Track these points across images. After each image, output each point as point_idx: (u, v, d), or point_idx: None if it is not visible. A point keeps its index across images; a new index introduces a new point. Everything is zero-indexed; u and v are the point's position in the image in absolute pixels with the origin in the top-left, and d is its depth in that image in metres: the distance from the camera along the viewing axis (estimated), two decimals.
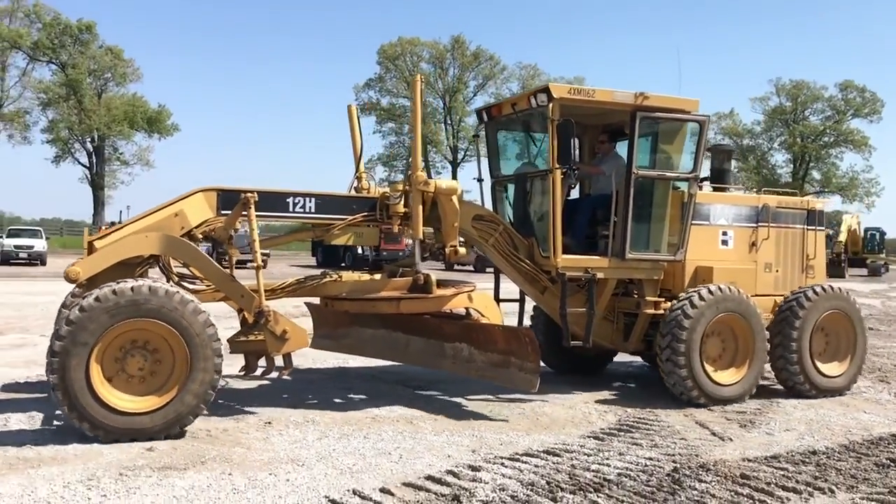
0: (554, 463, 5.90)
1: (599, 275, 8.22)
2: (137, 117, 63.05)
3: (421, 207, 7.58)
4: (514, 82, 72.60)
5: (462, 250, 7.96)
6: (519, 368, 7.28)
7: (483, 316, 7.92)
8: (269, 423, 6.92)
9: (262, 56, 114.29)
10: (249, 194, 7.01)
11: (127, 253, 6.69)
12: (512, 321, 8.92)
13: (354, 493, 5.08)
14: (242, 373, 7.80)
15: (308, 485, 5.23)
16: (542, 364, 9.66)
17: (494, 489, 5.20)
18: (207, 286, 7.32)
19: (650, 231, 8.49)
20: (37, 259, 33.83)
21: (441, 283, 7.91)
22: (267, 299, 7.14)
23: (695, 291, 8.02)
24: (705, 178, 9.33)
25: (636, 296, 8.68)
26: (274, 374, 7.79)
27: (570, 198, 9.20)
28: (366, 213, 7.73)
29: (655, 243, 8.49)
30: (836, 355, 8.89)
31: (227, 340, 7.41)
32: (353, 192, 8.09)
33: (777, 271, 9.17)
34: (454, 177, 68.13)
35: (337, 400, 8.00)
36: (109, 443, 5.97)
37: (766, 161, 77.07)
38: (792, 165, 75.69)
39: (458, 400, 8.09)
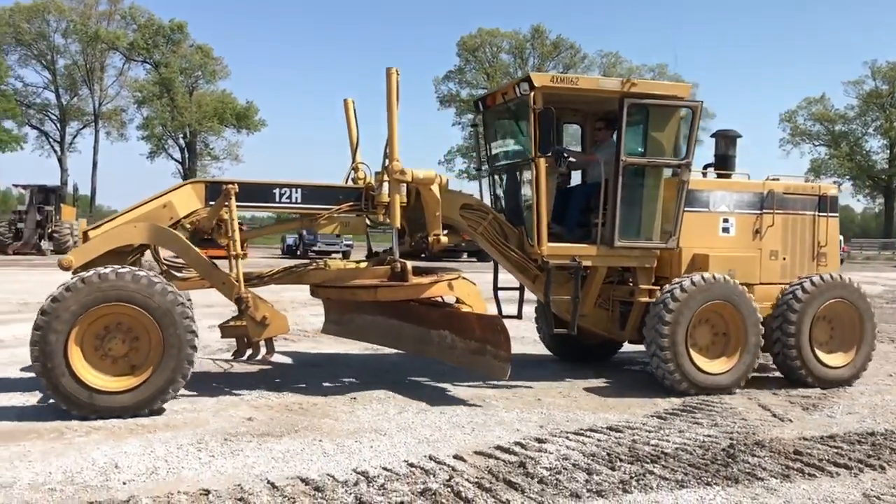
0: (616, 438, 6.33)
1: (587, 263, 8.30)
2: (227, 113, 65.47)
3: (398, 197, 7.63)
4: (594, 70, 72.15)
5: (444, 239, 8.06)
6: (493, 356, 7.46)
7: (465, 304, 8.01)
8: (355, 398, 7.57)
9: (343, 48, 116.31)
10: (230, 185, 7.26)
11: (117, 242, 7.09)
12: (512, 309, 9.10)
13: (430, 458, 5.63)
14: (232, 357, 8.27)
15: (389, 451, 5.82)
16: (548, 352, 10.07)
17: (558, 458, 5.68)
18: (195, 274, 7.59)
19: (641, 218, 8.46)
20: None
21: (425, 272, 8.15)
22: (254, 286, 7.56)
23: (681, 280, 8.01)
24: (710, 165, 9.35)
25: (631, 284, 8.70)
26: (259, 358, 8.18)
27: (569, 186, 9.40)
28: (352, 203, 7.91)
29: (647, 231, 8.45)
30: (841, 346, 8.72)
31: (219, 326, 8.04)
32: (349, 183, 8.23)
33: (784, 259, 8.99)
34: None
35: (415, 379, 8.58)
36: (82, 419, 6.38)
37: (860, 147, 74.29)
38: (889, 151, 72.72)
39: (529, 382, 8.53)
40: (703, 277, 8.01)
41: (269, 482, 5.03)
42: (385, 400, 7.53)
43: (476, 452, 5.82)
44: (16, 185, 42.44)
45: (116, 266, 6.70)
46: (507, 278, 8.98)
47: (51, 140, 65.78)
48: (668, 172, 8.50)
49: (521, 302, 9.22)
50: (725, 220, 8.83)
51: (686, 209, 8.46)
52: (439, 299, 8.33)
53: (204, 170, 68.71)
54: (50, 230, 36.81)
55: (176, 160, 67.79)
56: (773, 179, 9.18)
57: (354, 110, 8.79)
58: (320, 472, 5.27)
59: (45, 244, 35.98)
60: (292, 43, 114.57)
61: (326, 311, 9.88)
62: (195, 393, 7.53)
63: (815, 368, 8.45)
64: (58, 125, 65.76)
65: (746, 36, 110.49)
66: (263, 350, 7.92)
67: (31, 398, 7.19)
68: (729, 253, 8.69)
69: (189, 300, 7.60)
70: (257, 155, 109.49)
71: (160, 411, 6.73)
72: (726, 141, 9.50)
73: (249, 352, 8.15)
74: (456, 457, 5.69)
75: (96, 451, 5.62)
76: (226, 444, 5.90)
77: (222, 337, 8.18)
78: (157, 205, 7.35)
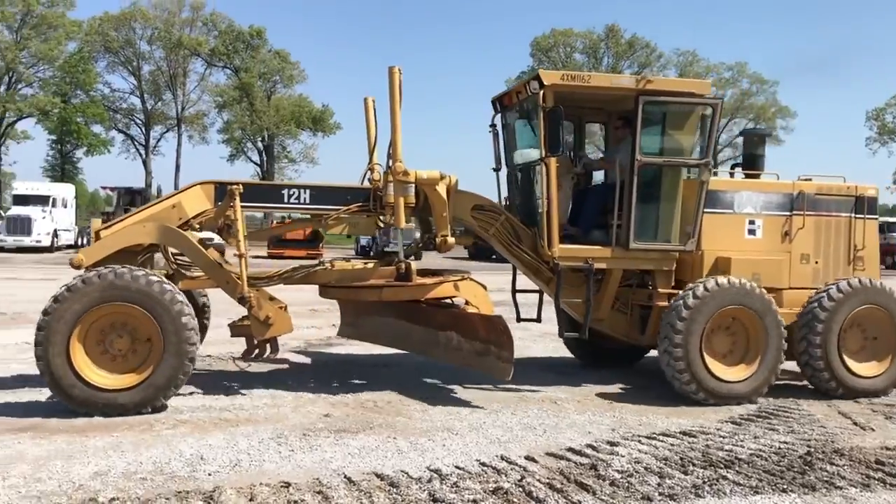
0: (689, 442, 6.30)
1: (601, 265, 8.13)
2: (303, 117, 66.72)
3: (402, 198, 7.62)
4: (671, 69, 70.93)
5: (451, 240, 8.00)
6: (497, 357, 7.42)
7: (472, 305, 7.91)
8: (427, 398, 7.71)
9: (414, 50, 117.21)
10: (234, 186, 7.42)
11: (126, 242, 7.24)
12: (531, 312, 9.00)
13: (502, 458, 5.72)
14: (241, 356, 8.28)
15: (461, 450, 5.93)
16: (571, 355, 9.97)
17: (630, 461, 5.69)
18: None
19: (658, 220, 8.22)
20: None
21: (432, 273, 8.20)
22: (262, 286, 7.68)
23: (697, 284, 7.77)
24: (737, 165, 9.03)
25: (651, 287, 8.43)
26: (264, 357, 8.11)
27: (588, 186, 9.24)
28: (360, 204, 7.96)
29: (664, 233, 8.22)
30: (875, 354, 8.24)
31: (228, 325, 8.09)
32: (365, 183, 8.23)
33: (816, 263, 8.60)
34: None
35: (487, 381, 8.62)
36: (91, 416, 6.52)
37: None
38: None
39: (601, 385, 8.52)
40: (719, 282, 7.77)
41: (345, 477, 5.20)
42: (457, 400, 7.65)
43: (547, 454, 5.88)
44: (104, 188, 44.29)
45: (117, 266, 6.80)
46: (526, 281, 8.89)
47: (136, 143, 68.19)
48: (687, 173, 8.28)
49: (540, 304, 9.08)
50: (751, 222, 8.52)
51: (708, 210, 8.25)
52: (449, 301, 8.28)
53: (281, 172, 70.17)
54: None
55: (254, 163, 69.44)
56: (805, 179, 8.88)
57: (374, 110, 8.78)
58: (395, 468, 5.42)
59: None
60: (365, 46, 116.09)
61: (342, 313, 9.90)
62: (274, 389, 7.80)
63: (844, 378, 8.05)
64: (143, 129, 68.13)
65: (832, 29, 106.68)
66: (268, 350, 7.97)
67: None
68: (754, 256, 8.39)
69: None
70: (332, 157, 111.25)
71: (163, 408, 6.88)
72: (755, 140, 9.21)
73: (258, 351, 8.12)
74: (527, 457, 5.76)
75: (183, 443, 5.90)
76: (304, 438, 6.12)
77: (231, 336, 8.22)
78: (166, 205, 7.54)
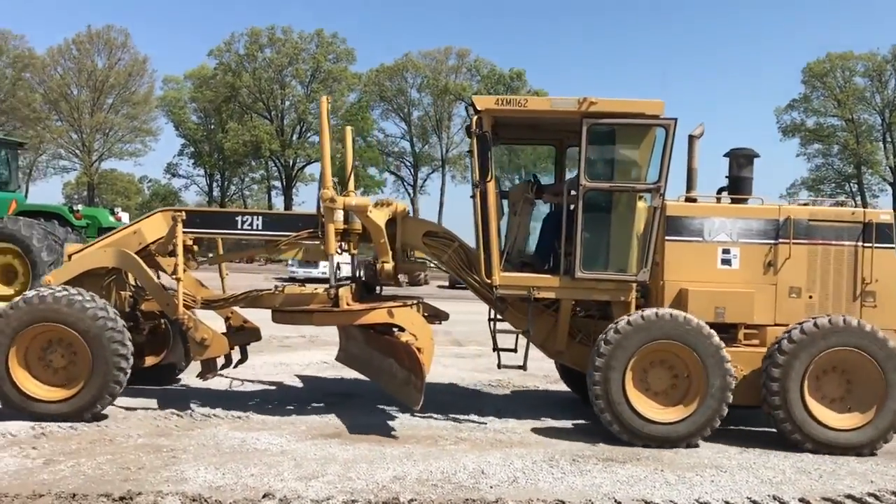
0: None
1: (546, 294, 7.77)
2: None
3: (332, 224, 7.72)
4: None
5: (389, 266, 8.00)
6: (414, 386, 7.19)
7: (407, 333, 7.57)
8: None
9: (673, 84, 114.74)
10: (177, 213, 7.87)
11: (89, 264, 7.82)
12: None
13: (774, 498, 5.70)
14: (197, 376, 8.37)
15: (731, 487, 5.97)
16: (569, 390, 9.53)
17: None
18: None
19: (609, 248, 7.75)
20: None
21: (382, 300, 8.18)
22: (211, 309, 8.11)
23: (621, 318, 7.27)
24: (723, 189, 8.09)
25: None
26: (206, 377, 8.21)
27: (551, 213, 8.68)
28: (311, 231, 8.12)
29: (617, 262, 7.73)
30: (857, 405, 7.23)
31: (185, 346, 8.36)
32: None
33: (810, 297, 7.72)
34: None
35: (753, 421, 8.45)
36: (30, 420, 7.11)
37: None
38: None
39: None
40: (645, 315, 7.18)
41: (616, 501, 5.49)
42: (724, 438, 7.59)
43: (824, 499, 5.76)
44: None
45: (57, 288, 7.41)
46: None
47: (405, 184, 73.47)
48: (645, 198, 7.71)
49: (517, 335, 8.52)
50: (726, 251, 7.76)
51: (673, 238, 7.71)
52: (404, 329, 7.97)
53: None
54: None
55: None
56: (803, 204, 8.09)
57: (354, 139, 8.95)
58: (663, 497, 5.62)
59: (401, 277, 40.42)
60: (619, 81, 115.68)
61: (339, 339, 9.90)
62: (542, 416, 8.26)
63: (812, 431, 7.14)
64: (411, 170, 73.36)
65: None
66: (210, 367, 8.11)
67: (402, 409, 8.43)
68: (724, 288, 7.66)
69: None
70: None
71: (101, 417, 7.39)
72: (740, 161, 8.36)
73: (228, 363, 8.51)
74: (802, 500, 5.69)
75: (465, 458, 6.52)
76: (574, 463, 6.49)
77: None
78: (128, 231, 8.11)
